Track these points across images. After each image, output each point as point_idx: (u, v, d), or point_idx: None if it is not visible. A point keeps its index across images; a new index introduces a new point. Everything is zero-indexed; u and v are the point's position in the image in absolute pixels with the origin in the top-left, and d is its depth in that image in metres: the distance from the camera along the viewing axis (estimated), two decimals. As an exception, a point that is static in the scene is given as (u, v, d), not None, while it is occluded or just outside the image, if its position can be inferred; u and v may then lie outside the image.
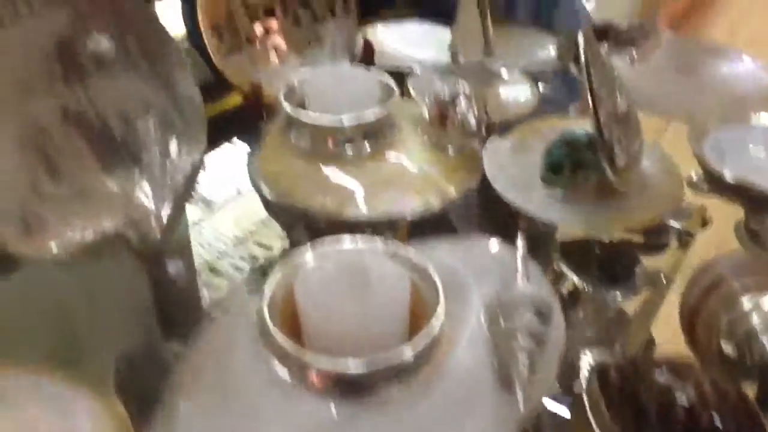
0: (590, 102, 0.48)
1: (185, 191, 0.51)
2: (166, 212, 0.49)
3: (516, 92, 0.63)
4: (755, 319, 0.38)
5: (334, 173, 0.47)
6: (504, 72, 0.66)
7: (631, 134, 0.51)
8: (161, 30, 0.49)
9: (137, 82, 0.48)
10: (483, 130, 0.49)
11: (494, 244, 0.42)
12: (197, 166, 0.51)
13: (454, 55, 0.66)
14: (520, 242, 0.40)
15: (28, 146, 0.43)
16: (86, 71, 0.46)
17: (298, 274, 0.34)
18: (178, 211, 0.51)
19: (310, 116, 0.47)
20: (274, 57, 0.60)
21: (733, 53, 0.67)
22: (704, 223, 0.54)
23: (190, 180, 0.51)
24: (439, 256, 0.40)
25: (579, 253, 0.55)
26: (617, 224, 0.50)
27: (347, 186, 0.46)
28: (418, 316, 0.33)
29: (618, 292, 0.57)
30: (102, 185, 0.47)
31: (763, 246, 0.49)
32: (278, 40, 0.60)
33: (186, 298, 0.55)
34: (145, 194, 0.48)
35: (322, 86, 0.49)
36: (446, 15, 0.82)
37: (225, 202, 0.67)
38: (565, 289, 0.57)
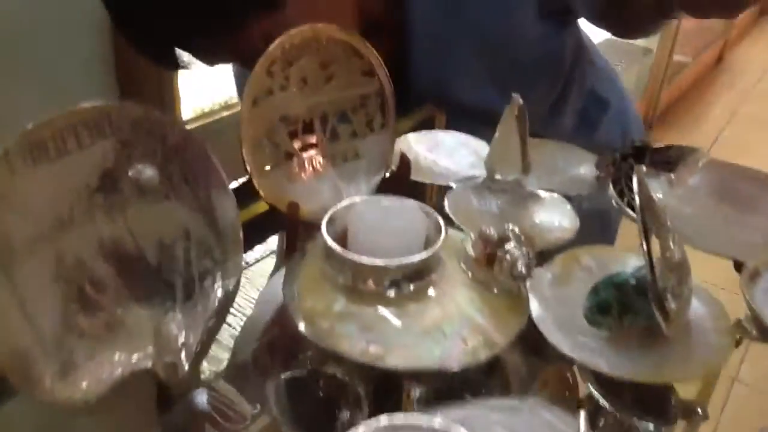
0: (644, 248, 0.46)
1: (217, 320, 0.49)
2: (196, 342, 0.47)
3: (555, 215, 0.62)
4: None
5: (375, 315, 0.45)
6: (542, 192, 0.64)
7: (682, 280, 0.49)
8: (204, 154, 0.48)
9: (177, 208, 0.47)
10: (531, 272, 0.47)
11: (548, 410, 0.40)
12: (231, 295, 0.49)
13: (490, 172, 0.65)
14: (582, 413, 0.38)
15: (63, 279, 0.42)
16: (127, 200, 0.44)
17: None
18: (208, 341, 0.49)
19: (352, 256, 0.45)
20: (311, 173, 0.58)
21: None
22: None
23: (223, 308, 0.49)
24: (490, 424, 0.38)
25: (612, 378, 0.53)
26: (664, 374, 0.47)
27: (390, 331, 0.44)
28: None
29: (652, 423, 0.55)
30: (133, 316, 0.45)
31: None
32: (316, 156, 0.59)
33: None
34: (176, 324, 0.47)
35: (365, 219, 0.47)
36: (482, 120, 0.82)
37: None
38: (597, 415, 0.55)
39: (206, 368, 0.52)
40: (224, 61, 0.81)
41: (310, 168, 0.59)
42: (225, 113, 1.23)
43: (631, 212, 0.62)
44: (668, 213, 0.61)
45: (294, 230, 0.56)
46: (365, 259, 0.45)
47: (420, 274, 0.47)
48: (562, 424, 0.38)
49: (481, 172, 0.67)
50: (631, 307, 0.49)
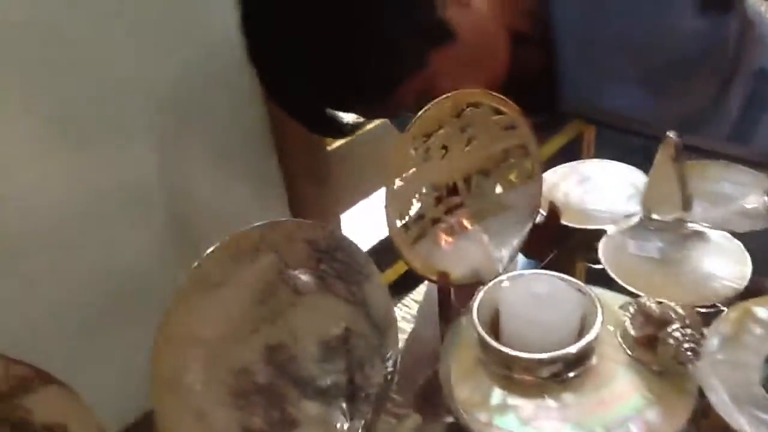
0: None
1: (379, 403, 0.51)
2: (360, 426, 0.49)
3: (724, 259, 0.58)
4: None
5: (535, 409, 0.45)
6: (707, 230, 0.60)
7: None
8: (353, 250, 0.49)
9: (334, 304, 0.49)
10: (699, 357, 0.44)
11: None
12: (391, 377, 0.51)
13: (647, 211, 0.62)
14: None
15: (236, 391, 0.45)
16: (286, 305, 0.47)
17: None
18: (375, 420, 0.51)
19: (505, 349, 0.45)
20: (459, 234, 0.58)
21: None
22: None
23: (385, 390, 0.51)
24: None
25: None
26: None
27: (551, 426, 0.44)
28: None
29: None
30: (304, 412, 0.48)
31: None
32: (462, 217, 0.59)
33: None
34: (342, 413, 0.49)
35: (516, 309, 0.47)
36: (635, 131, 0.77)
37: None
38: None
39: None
40: (378, 118, 0.81)
41: (458, 229, 0.59)
42: (369, 126, 1.25)
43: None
44: None
45: (447, 300, 0.56)
46: (519, 353, 0.45)
47: (578, 361, 0.46)
48: None
49: (636, 207, 0.64)
50: (815, 383, 0.45)
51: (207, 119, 0.86)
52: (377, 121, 1.29)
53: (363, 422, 0.50)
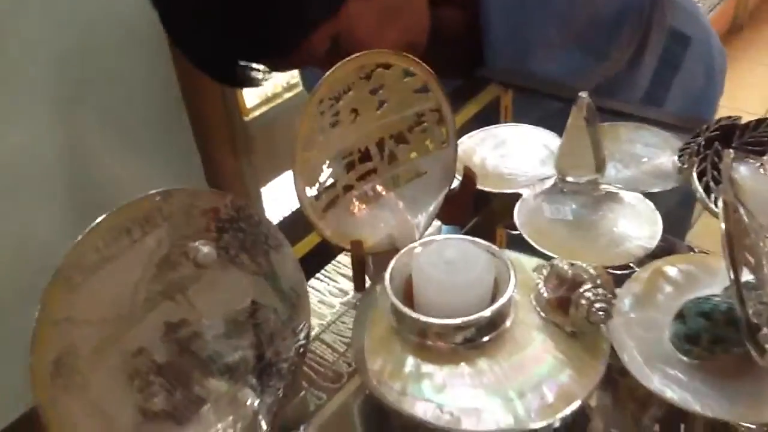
0: (731, 277, 0.43)
1: (293, 376, 0.49)
2: (272, 401, 0.48)
3: (636, 220, 0.58)
4: None
5: (448, 375, 0.44)
6: (620, 192, 0.60)
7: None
8: (257, 220, 0.47)
9: (238, 277, 0.47)
10: (610, 316, 0.44)
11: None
12: (303, 350, 0.49)
13: (561, 174, 0.61)
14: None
15: (134, 371, 0.42)
16: (187, 280, 0.44)
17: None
18: (286, 398, 0.49)
19: (418, 316, 0.44)
20: (373, 201, 0.57)
21: None
22: None
23: (297, 364, 0.49)
24: None
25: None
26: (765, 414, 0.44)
27: (463, 392, 0.43)
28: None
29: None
30: (210, 390, 0.46)
31: None
32: (376, 183, 0.57)
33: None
34: (251, 388, 0.47)
35: (429, 276, 0.45)
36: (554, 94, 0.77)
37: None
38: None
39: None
40: (289, 69, 0.79)
41: (372, 196, 0.57)
42: (288, 95, 1.22)
43: (716, 210, 0.57)
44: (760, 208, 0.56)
45: (360, 269, 0.55)
46: (432, 320, 0.44)
47: (492, 325, 0.45)
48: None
49: (551, 171, 0.63)
50: (722, 338, 0.46)
51: (114, 88, 0.81)
52: (298, 89, 1.25)
53: (274, 398, 0.48)
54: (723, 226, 0.43)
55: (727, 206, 0.44)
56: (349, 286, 0.74)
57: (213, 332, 0.46)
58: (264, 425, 0.47)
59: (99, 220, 0.39)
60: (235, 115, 1.12)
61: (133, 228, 0.41)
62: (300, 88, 1.19)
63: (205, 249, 0.44)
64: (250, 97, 1.19)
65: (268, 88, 1.20)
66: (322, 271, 0.75)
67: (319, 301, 0.74)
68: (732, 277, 0.42)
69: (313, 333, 0.52)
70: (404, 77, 0.56)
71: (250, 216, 0.46)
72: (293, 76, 1.24)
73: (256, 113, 1.17)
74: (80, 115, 0.79)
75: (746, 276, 0.46)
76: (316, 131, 0.52)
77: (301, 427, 0.53)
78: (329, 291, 0.76)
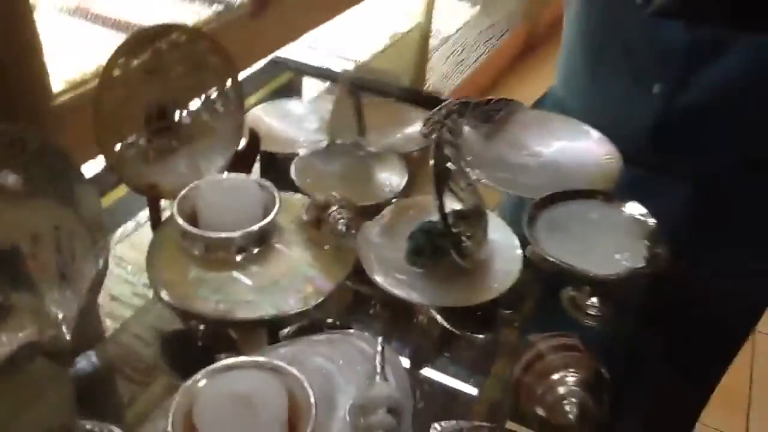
0: (435, 203, 0.57)
1: (92, 294, 0.57)
2: (73, 315, 0.55)
3: (389, 172, 0.72)
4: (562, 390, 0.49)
5: (225, 279, 0.55)
6: (378, 152, 0.75)
7: (476, 223, 0.61)
8: (63, 155, 0.55)
9: (44, 205, 0.54)
10: (353, 231, 0.57)
11: (360, 338, 0.51)
12: (102, 271, 0.58)
13: (331, 137, 0.75)
14: (379, 339, 0.49)
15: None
16: (-5, 204, 0.51)
17: (195, 402, 0.42)
18: (88, 311, 0.57)
19: (201, 232, 0.55)
20: (168, 155, 0.66)
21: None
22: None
23: (96, 283, 0.57)
24: (312, 356, 0.49)
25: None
26: (463, 299, 0.59)
27: (236, 290, 0.54)
28: (297, 419, 0.42)
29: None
30: (16, 301, 0.53)
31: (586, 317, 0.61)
32: (171, 138, 0.66)
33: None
34: (54, 303, 0.55)
35: (210, 199, 0.56)
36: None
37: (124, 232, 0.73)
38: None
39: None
40: None
41: (167, 150, 0.67)
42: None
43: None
44: (479, 162, 0.73)
45: (155, 208, 0.64)
46: (212, 234, 0.55)
47: (262, 238, 0.57)
48: (370, 349, 0.50)
49: (326, 137, 0.76)
50: (439, 248, 0.61)
51: None
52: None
53: (75, 313, 0.56)
54: (431, 162, 0.58)
55: (438, 148, 0.59)
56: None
57: (19, 252, 0.53)
58: (66, 334, 0.55)
59: None
60: (42, 98, 1.14)
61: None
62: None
63: (10, 177, 0.52)
64: (56, 83, 1.21)
65: (75, 75, 1.23)
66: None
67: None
68: (436, 203, 0.57)
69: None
70: (197, 47, 0.66)
71: (55, 149, 0.54)
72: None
73: (64, 98, 1.20)
74: None
75: (457, 206, 0.62)
76: (116, 85, 0.61)
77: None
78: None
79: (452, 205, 0.62)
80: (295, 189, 0.69)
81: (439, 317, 0.62)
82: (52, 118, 1.18)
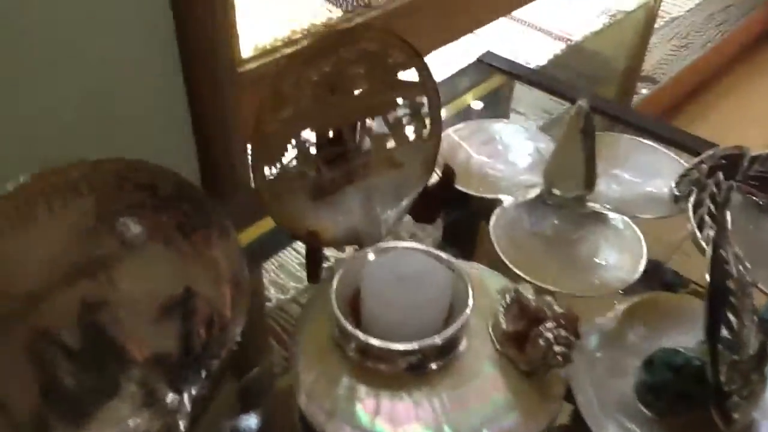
0: (709, 352, 0.39)
1: (220, 375, 0.45)
2: (194, 400, 0.44)
3: (618, 246, 0.54)
4: None
5: (382, 402, 0.40)
6: (607, 213, 0.56)
7: (753, 375, 0.41)
8: (200, 200, 0.42)
9: (172, 260, 0.42)
10: (570, 360, 0.40)
11: None
12: (233, 346, 0.45)
13: (548, 185, 0.57)
14: None
15: (36, 352, 0.38)
16: (112, 258, 0.40)
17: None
18: (212, 395, 0.45)
19: (362, 336, 0.40)
20: (339, 190, 0.52)
21: None
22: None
23: (226, 363, 0.45)
24: None
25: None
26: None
27: (395, 425, 0.39)
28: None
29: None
30: (123, 380, 0.42)
31: None
32: (344, 170, 0.52)
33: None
34: (172, 384, 0.43)
35: (380, 280, 0.41)
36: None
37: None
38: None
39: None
40: None
41: (338, 184, 0.52)
42: (287, 50, 1.14)
43: (705, 248, 0.52)
44: (753, 254, 0.52)
45: (315, 260, 0.50)
46: (374, 341, 0.40)
47: (441, 353, 0.41)
48: None
49: (538, 178, 0.58)
50: (687, 395, 0.42)
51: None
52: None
53: (194, 394, 0.44)
54: (708, 279, 0.39)
55: (717, 260, 0.40)
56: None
57: (136, 318, 0.42)
58: (182, 426, 0.43)
59: (20, 181, 0.34)
60: (226, 61, 1.05)
61: (52, 196, 0.36)
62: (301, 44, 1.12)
63: (135, 227, 0.40)
64: (245, 48, 1.11)
65: (266, 40, 1.13)
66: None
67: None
68: (709, 342, 0.38)
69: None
70: (389, 53, 0.50)
71: (194, 196, 0.42)
72: (295, 31, 1.16)
73: (252, 65, 1.10)
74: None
75: (723, 332, 0.42)
76: (283, 104, 0.47)
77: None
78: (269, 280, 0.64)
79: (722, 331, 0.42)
80: (486, 252, 0.53)
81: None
82: (236, 87, 1.08)
